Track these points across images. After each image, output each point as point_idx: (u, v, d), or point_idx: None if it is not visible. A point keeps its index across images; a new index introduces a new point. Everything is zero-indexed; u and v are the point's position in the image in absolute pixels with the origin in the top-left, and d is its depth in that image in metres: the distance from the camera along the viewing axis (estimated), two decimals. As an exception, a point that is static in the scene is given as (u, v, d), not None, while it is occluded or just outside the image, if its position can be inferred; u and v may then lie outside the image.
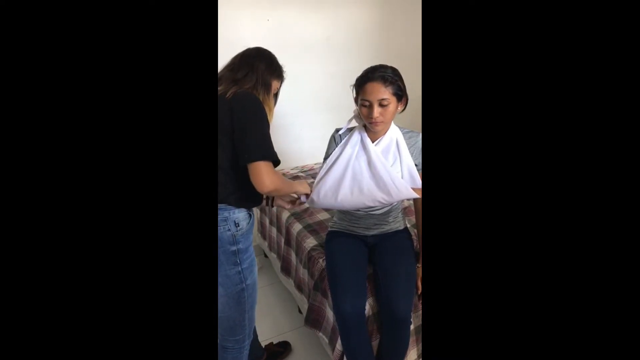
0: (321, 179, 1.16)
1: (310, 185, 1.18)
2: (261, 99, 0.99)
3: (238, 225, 1.00)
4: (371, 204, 1.16)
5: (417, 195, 1.13)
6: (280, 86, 1.12)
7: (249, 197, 1.00)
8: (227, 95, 0.96)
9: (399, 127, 1.20)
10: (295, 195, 1.17)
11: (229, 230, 0.99)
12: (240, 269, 1.03)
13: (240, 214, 1.01)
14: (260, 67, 1.02)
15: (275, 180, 0.95)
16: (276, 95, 1.12)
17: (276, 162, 0.97)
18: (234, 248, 1.00)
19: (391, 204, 1.25)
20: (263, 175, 0.92)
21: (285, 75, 1.11)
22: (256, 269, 1.10)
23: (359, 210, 1.26)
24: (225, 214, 0.98)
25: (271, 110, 1.04)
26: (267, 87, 1.03)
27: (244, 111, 0.94)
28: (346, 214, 1.31)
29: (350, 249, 1.24)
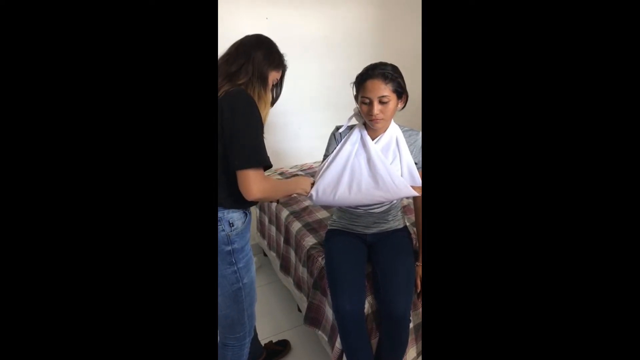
0: (320, 176, 1.16)
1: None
2: (256, 94, 0.96)
3: (232, 225, 0.99)
4: (370, 202, 1.16)
5: (417, 194, 1.13)
6: (283, 75, 1.07)
7: (242, 200, 0.98)
8: (219, 93, 0.93)
9: (399, 126, 1.20)
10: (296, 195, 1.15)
11: (223, 230, 0.98)
12: (236, 268, 1.01)
13: (234, 214, 0.99)
14: (257, 57, 0.98)
15: (264, 189, 0.93)
16: (281, 85, 1.08)
17: (268, 166, 0.94)
18: (228, 248, 0.99)
19: (391, 202, 1.25)
20: (250, 184, 0.91)
21: (286, 63, 1.06)
22: (254, 267, 1.09)
23: (358, 209, 1.26)
24: (219, 214, 0.97)
25: (267, 104, 1.00)
26: (264, 80, 0.99)
27: (234, 114, 0.90)
28: (345, 213, 1.31)
29: (349, 248, 1.24)
